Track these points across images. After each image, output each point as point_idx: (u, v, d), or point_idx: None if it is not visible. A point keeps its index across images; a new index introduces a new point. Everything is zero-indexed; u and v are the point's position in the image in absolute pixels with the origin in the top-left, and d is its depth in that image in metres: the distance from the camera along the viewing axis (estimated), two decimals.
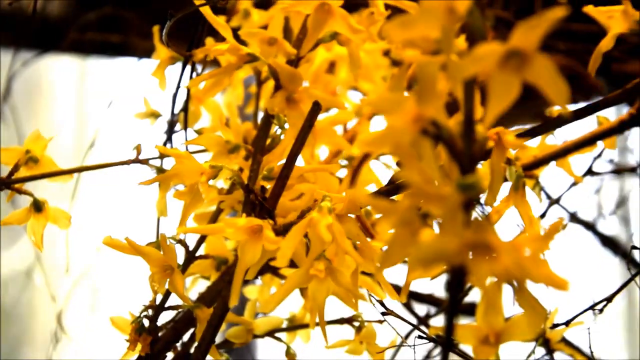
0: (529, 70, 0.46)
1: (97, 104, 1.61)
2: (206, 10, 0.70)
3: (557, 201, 1.07)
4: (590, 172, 0.96)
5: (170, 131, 0.85)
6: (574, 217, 1.26)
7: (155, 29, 0.85)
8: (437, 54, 0.51)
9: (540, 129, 0.66)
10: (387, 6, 0.75)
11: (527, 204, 0.63)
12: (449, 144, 0.47)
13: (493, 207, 0.62)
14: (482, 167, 0.63)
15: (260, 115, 0.85)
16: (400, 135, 0.47)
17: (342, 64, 0.92)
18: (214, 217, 0.76)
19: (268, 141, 0.73)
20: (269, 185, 0.69)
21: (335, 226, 0.60)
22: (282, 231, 0.63)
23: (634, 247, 0.82)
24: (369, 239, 0.63)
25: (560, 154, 0.88)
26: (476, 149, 0.47)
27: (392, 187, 0.61)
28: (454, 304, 0.46)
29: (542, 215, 1.02)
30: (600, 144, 0.95)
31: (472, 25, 0.49)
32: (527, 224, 0.62)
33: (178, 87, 0.84)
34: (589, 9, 0.61)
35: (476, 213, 0.47)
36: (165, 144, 0.86)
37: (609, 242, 1.31)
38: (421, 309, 1.09)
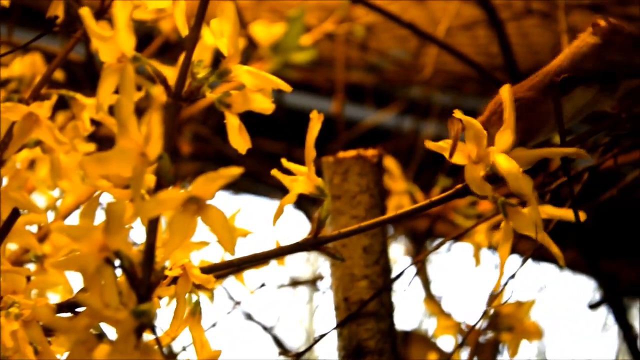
0: (204, 215, 0.54)
1: None
2: None
3: (238, 303, 1.17)
4: (262, 285, 1.06)
5: None
6: (251, 318, 1.38)
7: None
8: (128, 188, 0.58)
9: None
10: (92, 121, 0.80)
11: (201, 328, 0.70)
12: (129, 273, 0.53)
13: (166, 330, 0.68)
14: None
15: None
16: (86, 261, 0.53)
17: (42, 163, 0.95)
18: None
19: None
20: None
21: (20, 333, 0.64)
22: None
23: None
24: None
25: (235, 271, 0.98)
26: (154, 279, 0.54)
27: (76, 302, 0.66)
28: None
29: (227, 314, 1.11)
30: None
31: (161, 169, 0.56)
32: (198, 347, 0.69)
33: None
34: (275, 172, 0.68)
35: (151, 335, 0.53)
36: None
37: (280, 344, 1.43)
38: None
